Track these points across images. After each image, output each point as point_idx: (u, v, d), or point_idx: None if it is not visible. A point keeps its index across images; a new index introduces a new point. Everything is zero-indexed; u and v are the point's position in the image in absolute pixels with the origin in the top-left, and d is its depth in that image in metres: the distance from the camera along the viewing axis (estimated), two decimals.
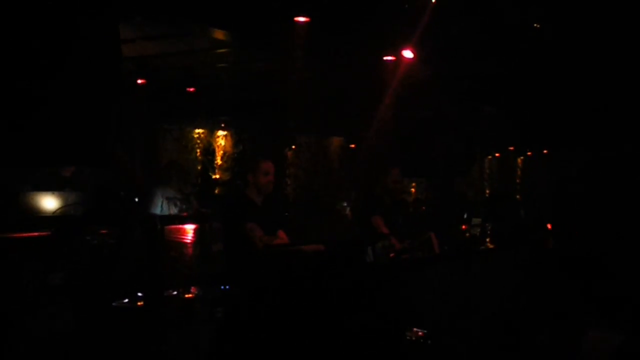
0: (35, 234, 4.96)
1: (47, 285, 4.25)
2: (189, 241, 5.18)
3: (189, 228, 5.13)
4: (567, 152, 19.01)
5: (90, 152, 4.75)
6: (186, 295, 4.89)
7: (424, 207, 16.76)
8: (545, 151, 22.66)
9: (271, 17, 8.49)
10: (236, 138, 16.51)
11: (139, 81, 11.14)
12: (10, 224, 5.36)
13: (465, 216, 8.45)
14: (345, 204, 13.76)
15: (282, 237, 6.58)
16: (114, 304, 4.19)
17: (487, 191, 22.63)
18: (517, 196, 19.98)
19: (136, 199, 7.66)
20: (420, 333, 2.60)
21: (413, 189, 19.63)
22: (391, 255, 7.40)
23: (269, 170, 6.56)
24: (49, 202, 5.28)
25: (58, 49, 4.76)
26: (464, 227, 8.56)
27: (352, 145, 18.24)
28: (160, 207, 7.03)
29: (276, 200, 7.96)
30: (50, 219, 5.08)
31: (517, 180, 24.41)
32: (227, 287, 5.11)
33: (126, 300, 4.57)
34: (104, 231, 4.86)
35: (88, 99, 4.81)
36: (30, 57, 4.64)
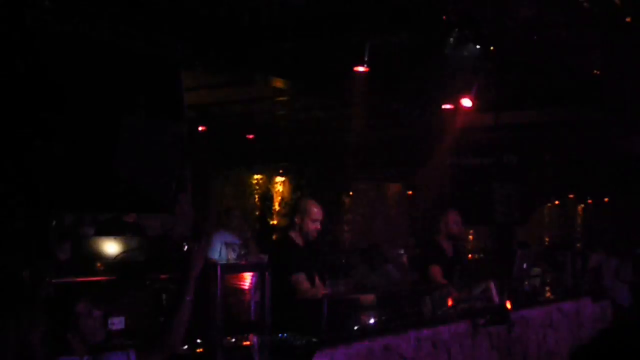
0: (97, 278, 5.02)
1: (108, 329, 4.29)
2: (246, 287, 5.19)
3: (247, 274, 5.14)
4: (629, 200, 18.64)
5: (153, 199, 4.84)
6: (244, 343, 4.89)
7: (481, 255, 16.57)
8: (606, 199, 22.27)
9: (330, 66, 8.59)
10: (294, 184, 16.62)
11: (200, 128, 11.35)
12: (72, 268, 5.45)
13: (524, 266, 8.31)
14: (402, 251, 13.68)
15: (317, 284, 6.35)
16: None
17: (547, 240, 22.29)
18: (578, 245, 19.62)
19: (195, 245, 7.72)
20: None
21: (471, 237, 19.44)
22: (449, 304, 7.31)
23: (318, 217, 6.24)
24: (111, 247, 5.35)
25: (123, 97, 4.88)
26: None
27: (410, 192, 18.20)
28: (219, 252, 7.05)
29: (319, 244, 7.75)
30: (112, 264, 5.15)
31: (578, 229, 23.99)
32: (286, 335, 5.12)
33: (186, 347, 4.59)
34: (164, 276, 4.89)
35: (151, 146, 4.90)
36: (93, 104, 4.76)
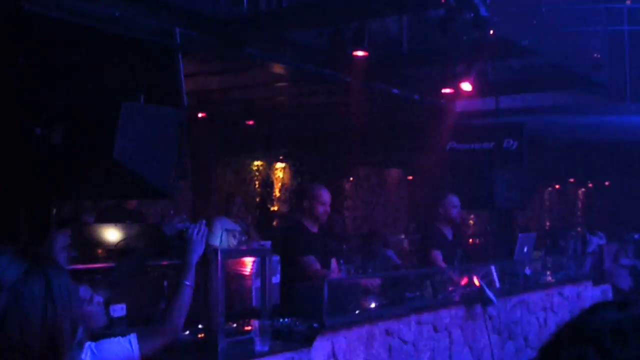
0: (98, 265, 5.03)
1: (109, 317, 4.30)
2: (247, 273, 5.20)
3: (248, 260, 5.15)
4: (629, 184, 18.64)
5: (153, 185, 4.84)
6: (245, 328, 4.90)
7: (481, 240, 16.60)
8: (607, 183, 22.28)
9: (330, 51, 8.57)
10: (294, 170, 16.62)
11: (200, 114, 11.33)
12: (73, 255, 5.45)
13: (525, 250, 8.32)
14: (403, 236, 13.71)
15: (334, 269, 6.46)
16: None
17: (548, 224, 22.31)
18: (578, 229, 19.64)
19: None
20: None
21: (472, 221, 19.46)
22: (450, 289, 7.34)
23: (326, 200, 6.34)
24: (112, 234, 5.36)
25: (123, 84, 4.88)
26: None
27: (410, 177, 18.20)
28: (220, 238, 7.07)
29: (331, 229, 7.74)
30: (113, 251, 5.16)
31: (579, 213, 24.02)
32: (287, 320, 5.13)
33: (187, 332, 4.61)
34: (165, 263, 4.90)
35: (151, 133, 4.91)
36: (93, 91, 4.75)
